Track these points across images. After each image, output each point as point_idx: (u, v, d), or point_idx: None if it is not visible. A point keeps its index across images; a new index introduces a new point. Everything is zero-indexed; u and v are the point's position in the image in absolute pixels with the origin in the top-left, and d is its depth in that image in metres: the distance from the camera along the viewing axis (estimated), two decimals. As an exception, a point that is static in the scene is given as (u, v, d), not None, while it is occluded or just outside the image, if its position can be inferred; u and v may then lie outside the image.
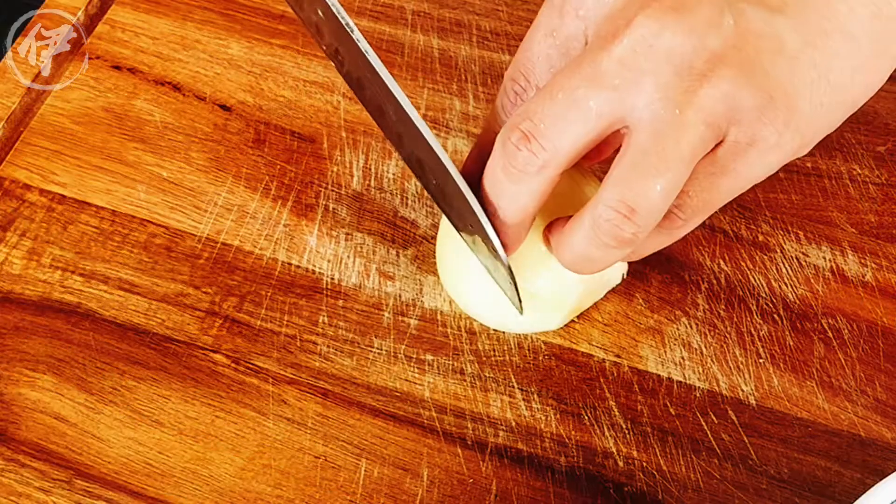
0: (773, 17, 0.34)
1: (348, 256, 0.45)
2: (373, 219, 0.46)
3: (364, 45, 0.36)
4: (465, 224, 0.39)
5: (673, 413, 0.41)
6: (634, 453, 0.41)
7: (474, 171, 0.40)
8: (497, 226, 0.38)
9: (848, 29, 0.35)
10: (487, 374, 0.42)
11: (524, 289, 0.41)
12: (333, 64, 0.39)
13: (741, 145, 0.34)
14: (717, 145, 0.34)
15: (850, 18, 0.35)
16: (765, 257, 0.45)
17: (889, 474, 0.33)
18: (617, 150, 0.36)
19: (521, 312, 0.41)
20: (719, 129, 0.34)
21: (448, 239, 0.43)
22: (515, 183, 0.35)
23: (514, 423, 0.41)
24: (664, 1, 0.33)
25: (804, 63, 0.34)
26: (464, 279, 0.42)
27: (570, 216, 0.37)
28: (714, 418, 0.41)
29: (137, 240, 0.46)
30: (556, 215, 0.40)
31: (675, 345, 0.43)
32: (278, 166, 0.48)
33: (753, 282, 0.44)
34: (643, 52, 0.33)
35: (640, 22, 0.33)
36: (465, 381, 0.42)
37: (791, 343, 0.43)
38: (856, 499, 0.33)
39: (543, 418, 0.41)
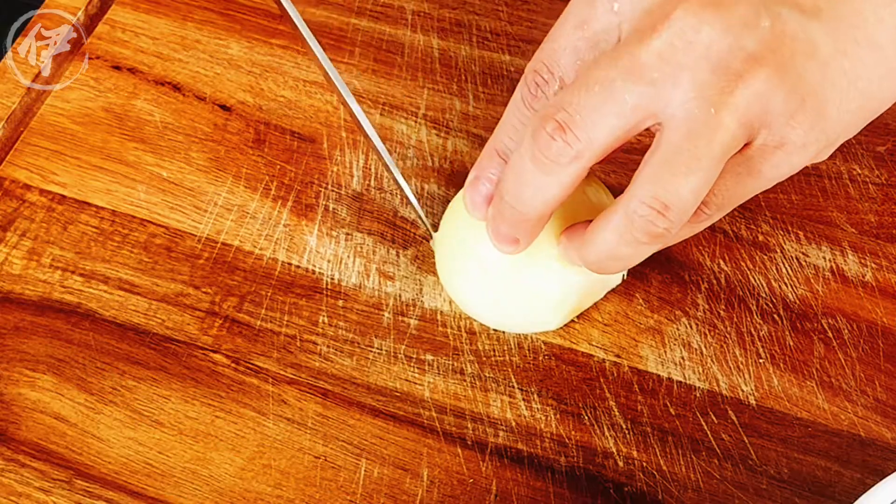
0: (808, 21, 0.34)
1: (348, 256, 0.45)
2: (373, 219, 0.46)
3: (304, 28, 0.37)
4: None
5: (673, 413, 0.41)
6: (634, 453, 0.41)
7: (488, 165, 0.39)
8: (516, 219, 0.38)
9: (876, 38, 0.35)
10: (487, 374, 0.42)
11: (525, 288, 0.41)
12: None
13: (769, 147, 0.34)
14: (745, 145, 0.34)
15: (878, 28, 0.35)
16: (765, 257, 0.45)
17: (889, 474, 0.33)
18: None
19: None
20: (751, 130, 0.34)
21: (447, 239, 0.43)
22: (546, 174, 0.35)
23: (514, 423, 0.41)
24: None
25: (835, 70, 0.34)
26: (463, 279, 0.42)
27: (583, 222, 0.37)
28: (714, 418, 0.41)
29: (137, 240, 0.46)
30: (557, 215, 0.40)
31: (675, 345, 0.43)
32: (278, 166, 0.48)
33: (753, 282, 0.44)
34: (682, 46, 0.33)
35: (678, 16, 0.33)
36: (465, 381, 0.42)
37: (791, 343, 0.43)
38: (856, 499, 0.33)
39: (543, 418, 0.41)
